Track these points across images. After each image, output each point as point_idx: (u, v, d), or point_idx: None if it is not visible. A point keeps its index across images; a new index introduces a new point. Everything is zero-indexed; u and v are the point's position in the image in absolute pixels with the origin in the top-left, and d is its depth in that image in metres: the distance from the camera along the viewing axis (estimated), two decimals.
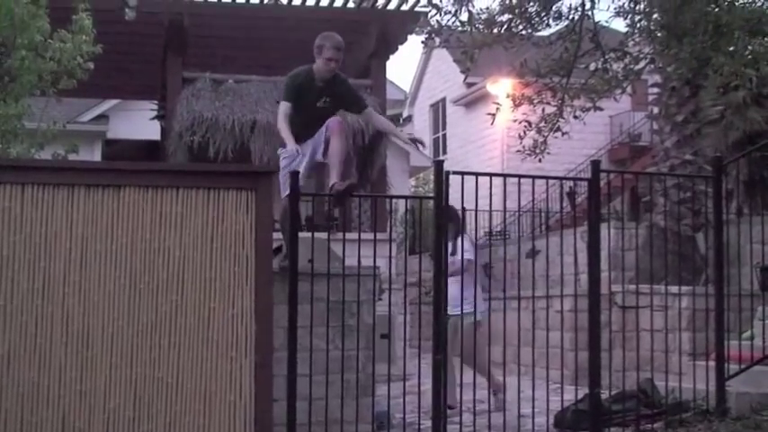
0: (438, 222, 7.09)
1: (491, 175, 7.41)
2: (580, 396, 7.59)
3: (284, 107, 7.04)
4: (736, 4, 10.73)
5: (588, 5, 12.19)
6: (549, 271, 8.09)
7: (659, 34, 11.35)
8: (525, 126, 12.41)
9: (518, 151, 13.12)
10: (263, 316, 6.21)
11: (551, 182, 8.48)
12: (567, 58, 12.09)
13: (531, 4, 11.71)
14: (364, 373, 7.20)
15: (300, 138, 6.95)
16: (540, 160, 12.56)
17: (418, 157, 22.63)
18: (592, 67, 12.59)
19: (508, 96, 12.80)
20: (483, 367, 8.46)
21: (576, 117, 12.46)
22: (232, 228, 6.23)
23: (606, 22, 13.49)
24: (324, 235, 7.59)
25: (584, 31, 12.05)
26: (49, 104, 11.09)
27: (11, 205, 6.01)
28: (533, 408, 7.31)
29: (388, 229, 8.83)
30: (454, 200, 7.05)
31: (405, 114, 30.99)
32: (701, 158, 12.02)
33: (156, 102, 15.76)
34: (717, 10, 10.26)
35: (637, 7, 11.96)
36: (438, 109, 29.15)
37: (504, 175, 7.45)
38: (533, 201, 8.45)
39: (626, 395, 7.75)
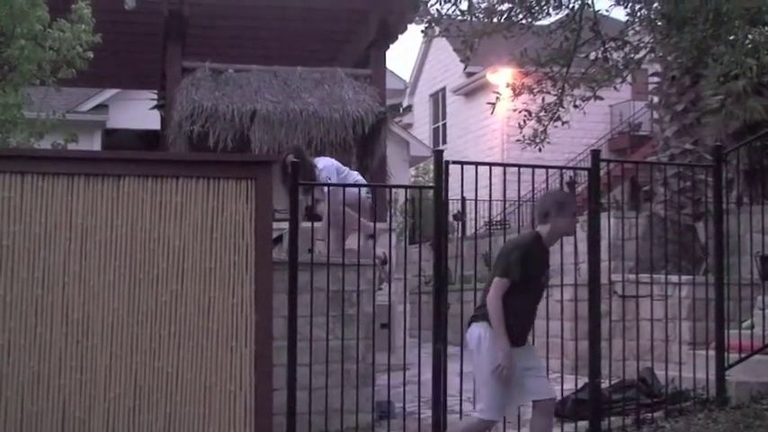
0: (438, 212, 7.08)
1: (491, 164, 7.41)
2: (580, 385, 7.59)
3: (505, 286, 5.48)
4: None
5: None
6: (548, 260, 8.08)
7: (659, 23, 11.30)
8: (525, 115, 12.35)
9: (518, 141, 13.06)
10: (262, 305, 6.21)
11: (551, 171, 8.44)
12: (567, 48, 12.03)
13: None
14: (364, 362, 7.20)
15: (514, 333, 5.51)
16: (539, 150, 12.50)
17: (418, 147, 22.64)
18: (592, 56, 12.52)
19: (508, 86, 12.72)
20: None
21: (576, 106, 12.40)
22: (232, 217, 6.23)
23: (606, 11, 13.40)
24: (323, 225, 7.57)
25: (585, 20, 11.97)
26: (48, 94, 11.06)
27: (10, 195, 6.01)
28: None
29: (388, 219, 8.81)
30: (454, 189, 7.03)
31: (404, 104, 30.94)
32: (702, 148, 12.00)
33: (155, 91, 15.72)
34: None
35: None
36: (438, 99, 29.10)
37: (504, 165, 7.45)
38: (533, 190, 8.42)
39: (626, 384, 7.76)
